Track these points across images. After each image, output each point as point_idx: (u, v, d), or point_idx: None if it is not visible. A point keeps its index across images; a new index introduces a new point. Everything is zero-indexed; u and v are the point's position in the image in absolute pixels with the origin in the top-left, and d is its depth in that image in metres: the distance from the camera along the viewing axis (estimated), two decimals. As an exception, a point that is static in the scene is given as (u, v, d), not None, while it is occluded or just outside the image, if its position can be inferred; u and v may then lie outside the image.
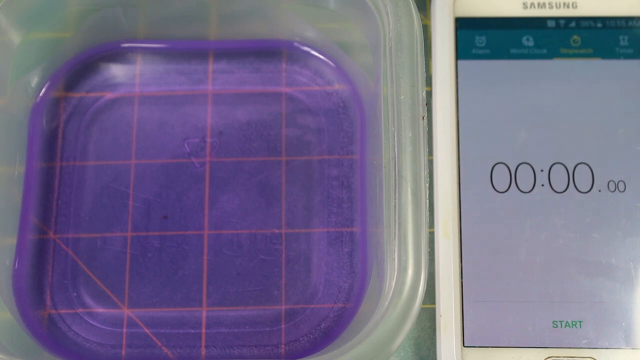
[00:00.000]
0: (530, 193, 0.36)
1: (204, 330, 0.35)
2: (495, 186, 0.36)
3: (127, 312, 0.36)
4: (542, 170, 0.36)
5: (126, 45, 0.39)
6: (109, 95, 0.39)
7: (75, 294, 0.36)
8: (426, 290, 0.29)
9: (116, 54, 0.39)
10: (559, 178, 0.36)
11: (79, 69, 0.39)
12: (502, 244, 0.35)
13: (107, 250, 0.36)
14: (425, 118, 0.30)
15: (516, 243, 0.35)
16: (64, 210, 0.37)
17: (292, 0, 0.37)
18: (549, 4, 0.38)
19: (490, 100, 0.37)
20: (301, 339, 0.35)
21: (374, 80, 0.35)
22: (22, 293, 0.36)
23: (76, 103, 0.39)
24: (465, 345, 0.34)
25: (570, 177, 0.36)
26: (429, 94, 0.38)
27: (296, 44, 0.39)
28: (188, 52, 0.39)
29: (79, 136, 0.38)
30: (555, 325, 0.34)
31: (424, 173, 0.30)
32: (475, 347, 0.34)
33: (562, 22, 0.38)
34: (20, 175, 0.37)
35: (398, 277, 0.29)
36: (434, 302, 0.35)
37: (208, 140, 0.38)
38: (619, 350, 0.34)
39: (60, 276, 0.36)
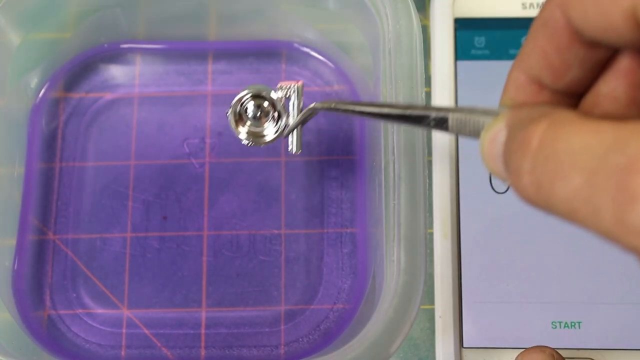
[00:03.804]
0: (529, 194, 0.36)
1: (203, 331, 0.35)
2: (495, 187, 0.36)
3: (126, 312, 0.36)
4: (541, 171, 0.36)
5: (126, 45, 0.39)
6: (108, 95, 0.39)
7: (74, 295, 0.36)
8: (425, 291, 0.29)
9: (116, 55, 0.39)
10: (558, 179, 0.36)
11: (79, 70, 0.39)
12: (500, 245, 0.35)
13: (106, 251, 0.36)
14: (424, 119, 0.30)
15: (515, 244, 0.35)
16: (64, 211, 0.37)
17: (291, 2, 0.37)
18: (548, 4, 0.38)
19: (489, 100, 0.37)
20: (301, 339, 0.35)
21: (373, 80, 0.35)
22: (21, 294, 0.36)
23: (76, 104, 0.39)
24: (463, 346, 0.34)
25: (570, 178, 0.36)
26: (428, 95, 0.38)
27: (296, 45, 0.39)
28: (187, 52, 0.39)
29: (79, 137, 0.38)
30: (554, 326, 0.34)
31: (423, 174, 0.30)
32: (473, 348, 0.34)
33: (561, 22, 0.38)
34: (20, 176, 0.37)
35: (397, 278, 0.29)
36: (432, 303, 0.35)
37: (207, 140, 0.38)
38: (618, 351, 0.34)
39: (60, 277, 0.36)
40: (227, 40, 0.39)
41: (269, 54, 0.39)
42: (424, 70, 0.31)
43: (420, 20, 0.32)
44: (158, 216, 0.37)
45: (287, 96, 0.31)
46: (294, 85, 0.31)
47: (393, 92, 0.31)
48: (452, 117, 0.23)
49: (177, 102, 0.38)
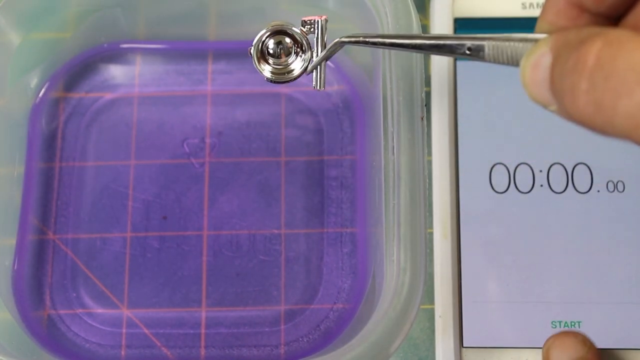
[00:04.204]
0: (529, 193, 0.36)
1: (203, 331, 0.35)
2: (494, 187, 0.36)
3: (126, 312, 0.36)
4: (541, 171, 0.36)
5: (126, 45, 0.39)
6: (108, 95, 0.39)
7: (74, 295, 0.36)
8: (425, 290, 0.29)
9: (116, 55, 0.39)
10: (558, 178, 0.36)
11: (79, 70, 0.39)
12: (500, 245, 0.35)
13: (106, 251, 0.36)
14: (424, 119, 0.30)
15: (515, 243, 0.35)
16: (64, 210, 0.37)
17: (291, 1, 0.37)
18: (548, 4, 0.38)
19: (489, 100, 0.37)
20: (301, 339, 0.35)
21: (373, 80, 0.35)
22: (21, 293, 0.36)
23: (76, 103, 0.39)
24: (463, 345, 0.34)
25: (569, 178, 0.36)
26: (428, 95, 0.38)
27: (295, 45, 0.39)
28: (187, 52, 0.39)
29: (79, 137, 0.38)
30: (554, 326, 0.34)
31: (423, 174, 0.30)
32: (473, 347, 0.34)
33: (561, 22, 0.38)
34: (20, 176, 0.37)
35: (397, 278, 0.29)
36: (432, 303, 0.35)
37: (207, 140, 0.38)
38: (618, 350, 0.34)
39: (60, 277, 0.36)
40: (227, 40, 0.39)
41: (269, 54, 0.39)
42: (423, 70, 0.31)
43: (420, 20, 0.32)
44: (158, 216, 0.37)
45: (311, 31, 0.29)
46: (318, 20, 0.29)
47: (393, 91, 0.31)
48: (488, 45, 0.22)
49: (177, 102, 0.39)
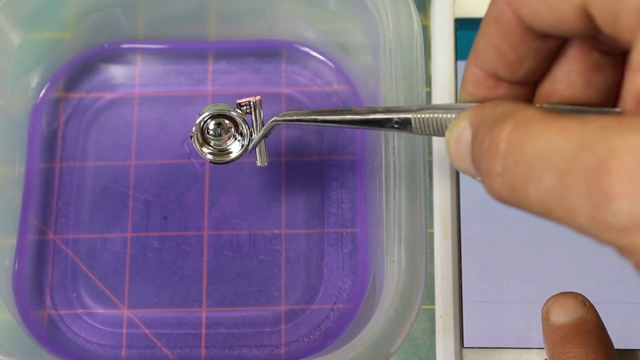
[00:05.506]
0: (529, 194, 0.36)
1: (203, 331, 0.35)
2: (495, 187, 0.36)
3: (126, 312, 0.36)
4: (541, 171, 0.36)
5: (126, 45, 0.39)
6: (108, 95, 0.39)
7: (75, 295, 0.36)
8: (425, 290, 0.29)
9: (116, 55, 0.39)
10: (558, 179, 0.36)
11: (79, 70, 0.39)
12: (501, 245, 0.35)
13: (107, 251, 0.36)
14: (424, 119, 0.30)
15: (515, 244, 0.35)
16: (64, 210, 0.37)
17: (292, 1, 0.37)
18: (549, 4, 0.38)
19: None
20: (301, 339, 0.35)
21: (374, 80, 0.35)
22: (22, 293, 0.36)
23: (76, 103, 0.39)
24: (464, 346, 0.34)
25: (570, 178, 0.36)
26: (429, 95, 0.38)
27: (296, 45, 0.39)
28: (188, 52, 0.39)
29: (79, 137, 0.38)
30: (554, 326, 0.34)
31: (423, 174, 0.30)
32: (474, 347, 0.34)
33: (561, 22, 0.38)
34: (20, 176, 0.37)
35: (398, 278, 0.29)
36: (433, 303, 0.35)
37: (208, 140, 0.38)
38: (618, 351, 0.34)
39: (60, 277, 0.36)
40: (228, 40, 0.39)
41: (269, 54, 0.39)
42: (424, 70, 0.31)
43: (421, 20, 0.32)
44: (158, 216, 0.37)
45: (247, 112, 0.32)
46: (252, 102, 0.31)
47: (393, 92, 0.31)
48: (414, 118, 0.23)
49: (178, 102, 0.39)
